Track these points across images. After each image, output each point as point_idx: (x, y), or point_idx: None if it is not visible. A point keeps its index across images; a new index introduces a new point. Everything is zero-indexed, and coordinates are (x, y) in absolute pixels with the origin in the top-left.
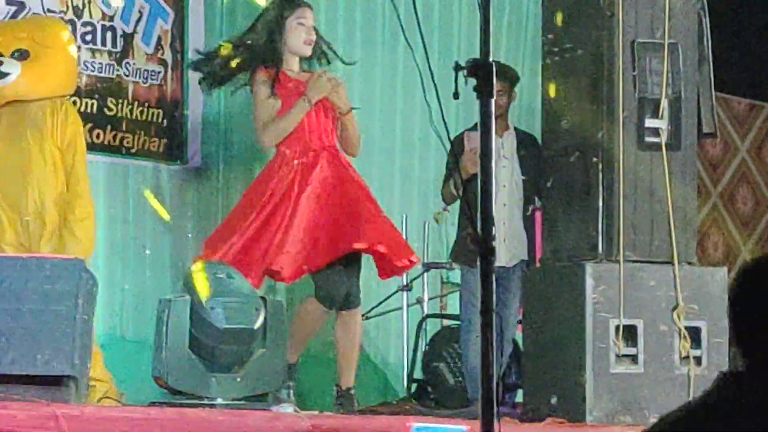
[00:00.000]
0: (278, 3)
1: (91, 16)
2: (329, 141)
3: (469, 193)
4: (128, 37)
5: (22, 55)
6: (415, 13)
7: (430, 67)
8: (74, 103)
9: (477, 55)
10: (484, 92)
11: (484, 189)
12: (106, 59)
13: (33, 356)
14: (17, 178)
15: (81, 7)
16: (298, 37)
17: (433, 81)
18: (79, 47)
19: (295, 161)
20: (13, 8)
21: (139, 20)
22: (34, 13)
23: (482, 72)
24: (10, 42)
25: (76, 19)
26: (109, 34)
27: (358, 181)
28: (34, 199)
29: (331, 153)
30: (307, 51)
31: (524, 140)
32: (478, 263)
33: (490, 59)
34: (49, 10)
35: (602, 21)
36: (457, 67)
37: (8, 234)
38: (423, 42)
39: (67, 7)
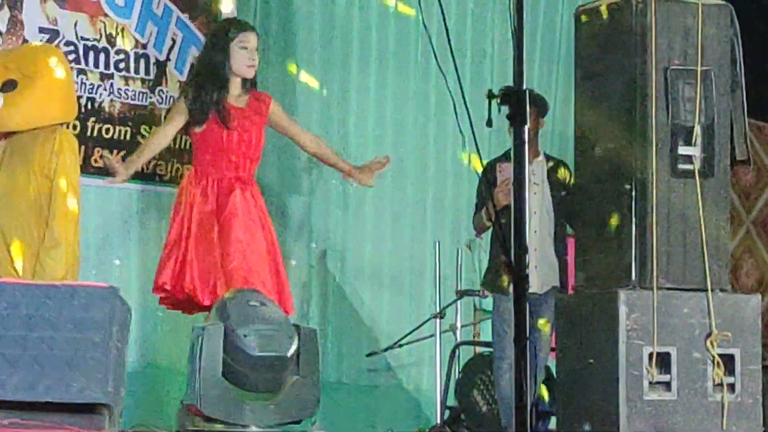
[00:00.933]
0: (223, 26)
1: (124, 44)
2: (246, 172)
3: (502, 221)
4: (161, 65)
5: (9, 87)
6: (448, 40)
7: (463, 94)
8: (107, 130)
9: (509, 82)
10: (517, 120)
11: (518, 216)
12: (139, 87)
13: (67, 384)
14: (6, 209)
15: (114, 35)
16: (240, 61)
17: (466, 108)
18: (111, 75)
19: (209, 191)
20: (47, 36)
21: (172, 48)
22: (67, 41)
23: (515, 99)
24: (0, 73)
25: (109, 47)
26: (142, 62)
27: (262, 221)
28: (19, 228)
29: (244, 188)
30: (250, 73)
31: (555, 167)
32: (511, 290)
33: (524, 87)
34: (82, 38)
35: (635, 48)
36: (490, 95)
37: None
38: (456, 69)
39: (101, 36)
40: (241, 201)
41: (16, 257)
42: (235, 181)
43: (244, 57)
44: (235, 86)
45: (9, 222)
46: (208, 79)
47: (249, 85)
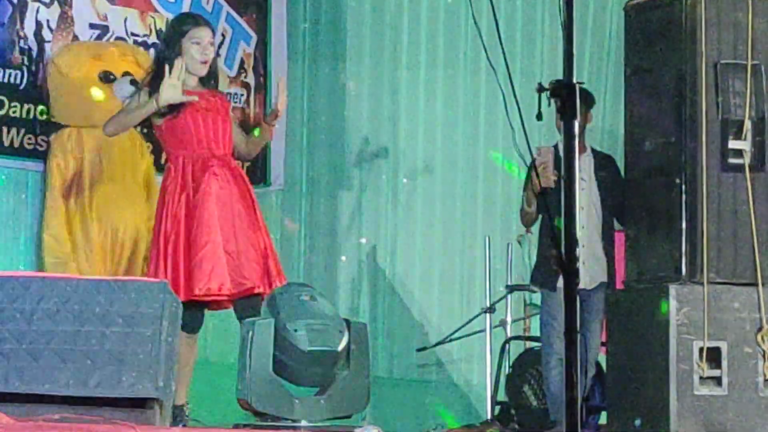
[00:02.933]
0: (176, 21)
1: None
2: (220, 150)
3: (553, 215)
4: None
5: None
6: (498, 35)
7: (513, 88)
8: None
9: (559, 76)
10: (567, 113)
11: (567, 211)
12: None
13: (118, 379)
14: (117, 204)
15: (164, 30)
16: (191, 57)
17: (516, 102)
18: None
19: (187, 171)
20: (97, 32)
21: (221, 44)
22: (117, 37)
23: (565, 93)
24: (119, 62)
25: (159, 43)
26: None
27: (243, 197)
28: (134, 224)
29: (222, 163)
30: (202, 71)
31: (602, 162)
32: (561, 285)
33: (574, 80)
34: (132, 34)
35: (685, 42)
36: (540, 89)
37: (97, 257)
38: (506, 63)
39: (150, 31)
40: (213, 179)
41: (132, 253)
42: (210, 158)
43: (196, 53)
44: (190, 81)
45: (120, 219)
46: (162, 74)
47: (208, 83)
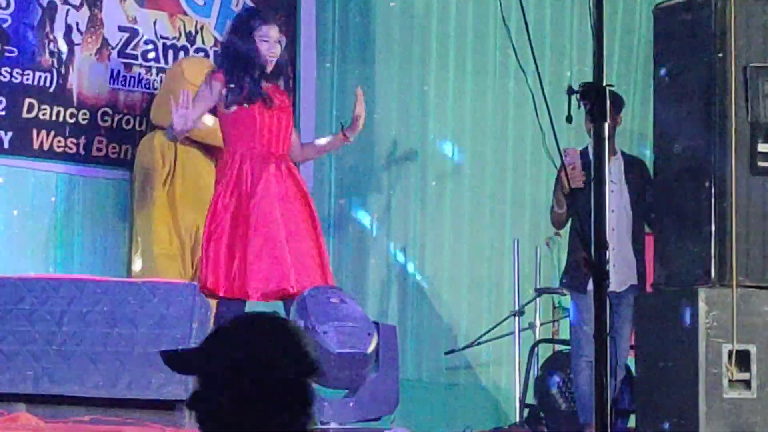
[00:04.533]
0: (245, 17)
1: (203, 43)
2: (278, 149)
3: (582, 217)
4: None
5: None
6: (528, 37)
7: (543, 91)
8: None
9: (589, 79)
10: (597, 116)
11: (597, 213)
12: None
13: (148, 380)
14: (196, 212)
15: (193, 33)
16: (259, 54)
17: (546, 105)
18: None
19: (244, 167)
20: (126, 35)
21: None
22: (147, 41)
23: (595, 96)
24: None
25: (189, 46)
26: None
27: (300, 197)
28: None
29: (279, 162)
30: (268, 68)
31: (632, 165)
32: (591, 288)
33: (604, 82)
34: (161, 36)
35: (714, 46)
36: (570, 91)
37: (176, 263)
38: (535, 65)
39: (180, 34)
40: (273, 178)
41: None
42: (268, 155)
43: (263, 49)
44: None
45: (197, 227)
46: (243, 65)
47: (275, 79)
